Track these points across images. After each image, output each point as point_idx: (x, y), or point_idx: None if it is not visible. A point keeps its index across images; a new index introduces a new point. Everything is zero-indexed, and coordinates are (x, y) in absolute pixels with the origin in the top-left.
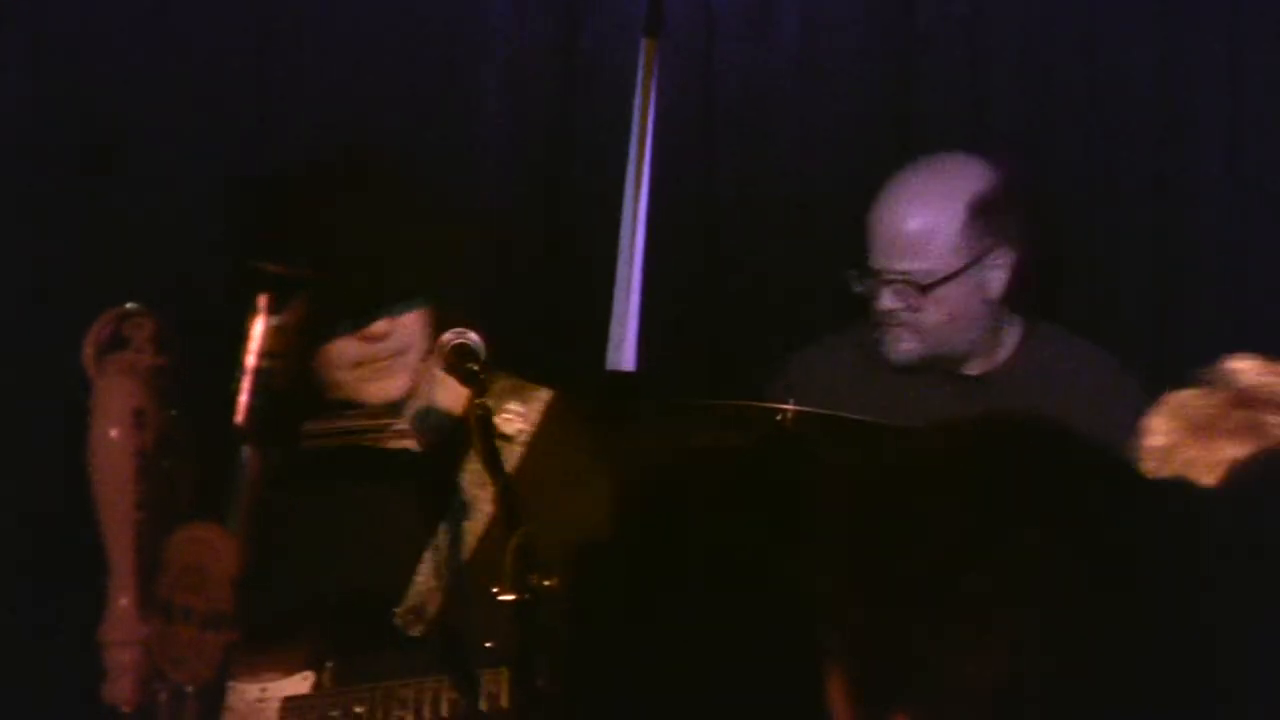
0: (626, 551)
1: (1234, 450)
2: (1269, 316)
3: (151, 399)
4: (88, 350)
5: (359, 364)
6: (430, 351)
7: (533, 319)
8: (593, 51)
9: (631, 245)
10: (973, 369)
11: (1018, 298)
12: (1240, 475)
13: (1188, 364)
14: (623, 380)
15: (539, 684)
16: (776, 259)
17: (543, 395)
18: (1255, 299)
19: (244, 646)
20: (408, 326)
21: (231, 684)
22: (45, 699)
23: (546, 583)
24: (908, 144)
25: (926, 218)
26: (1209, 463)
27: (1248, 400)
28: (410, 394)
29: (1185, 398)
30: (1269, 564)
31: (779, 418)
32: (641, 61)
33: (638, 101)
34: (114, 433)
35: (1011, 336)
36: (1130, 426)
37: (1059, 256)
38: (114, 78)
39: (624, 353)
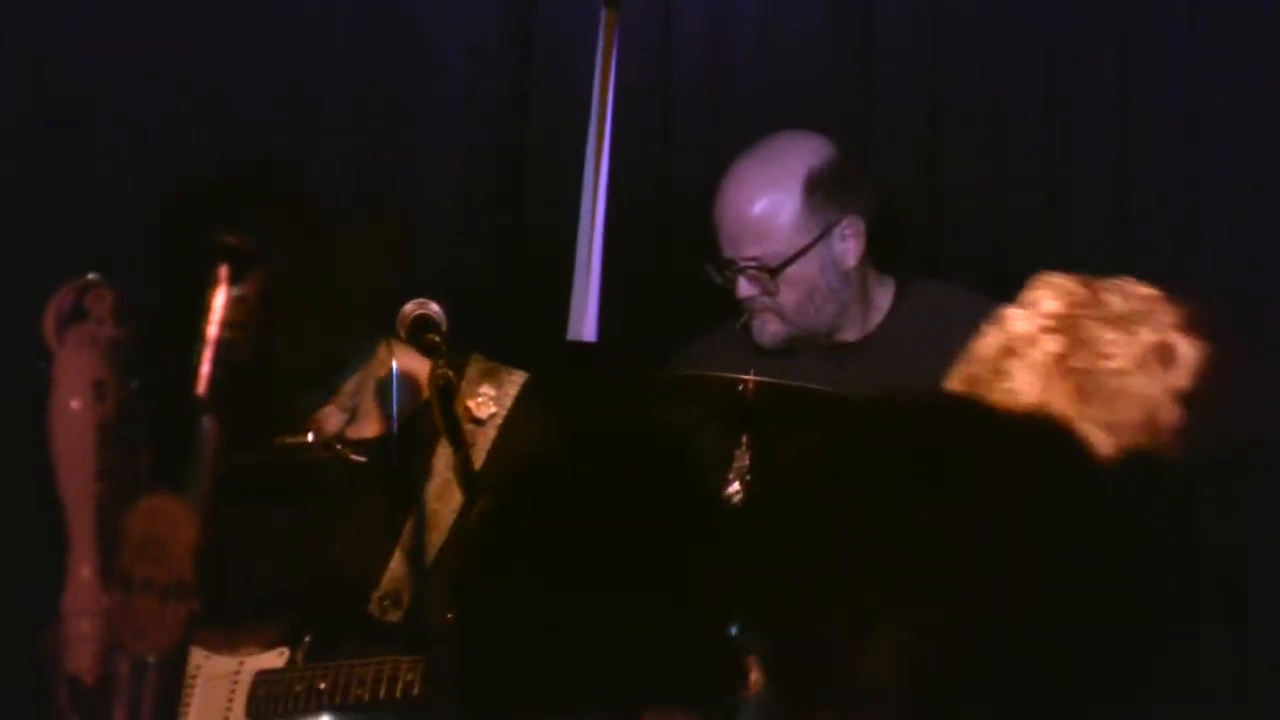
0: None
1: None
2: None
3: (112, 370)
4: (48, 322)
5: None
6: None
7: (493, 295)
8: (552, 21)
9: (592, 217)
10: (848, 336)
11: (890, 258)
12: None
13: None
14: (584, 352)
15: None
16: None
17: (516, 379)
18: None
19: (225, 624)
20: (369, 375)
21: (210, 656)
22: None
23: None
24: (867, 118)
25: (766, 201)
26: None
27: (1060, 326)
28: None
29: (1007, 316)
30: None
31: (740, 388)
32: (601, 32)
33: (598, 72)
34: (74, 404)
35: (884, 299)
36: None
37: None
38: (70, 48)
39: (585, 324)
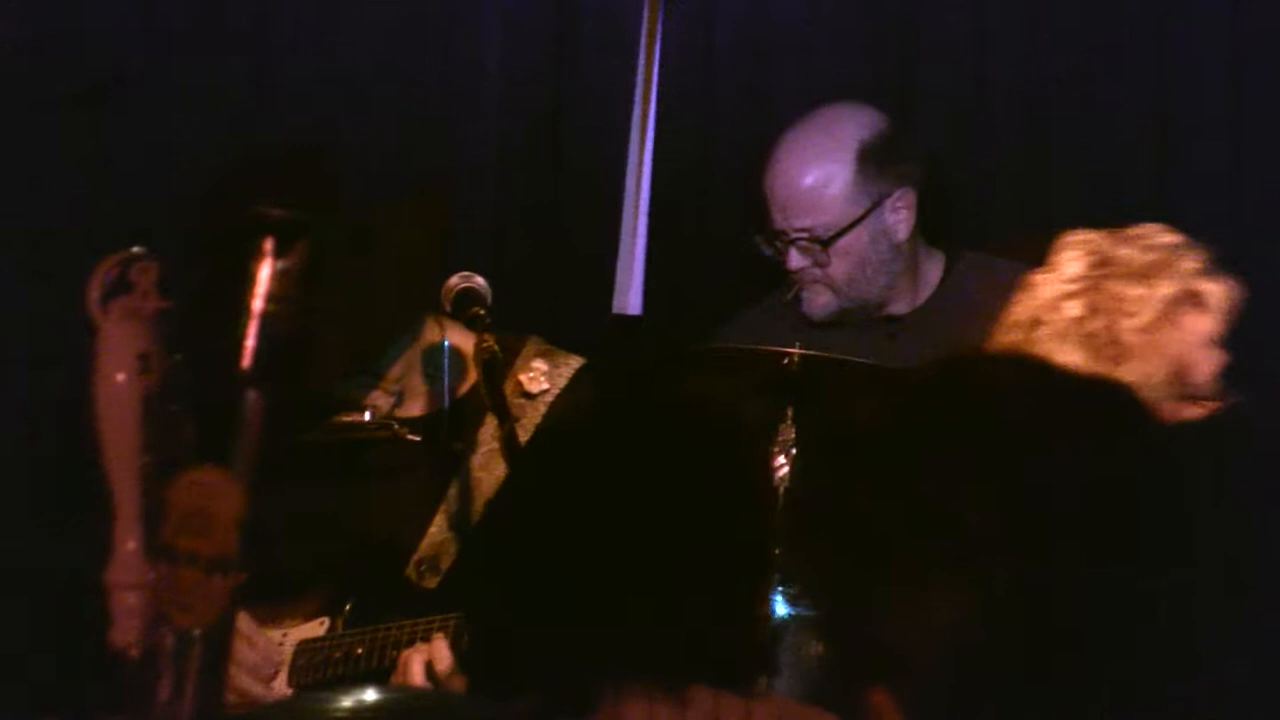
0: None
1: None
2: None
3: (156, 343)
4: (92, 295)
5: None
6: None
7: (538, 272)
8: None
9: (637, 191)
10: (897, 309)
11: (939, 231)
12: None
13: None
14: (629, 325)
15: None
16: None
17: (572, 362)
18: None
19: (271, 597)
20: (415, 356)
21: (256, 629)
22: (51, 643)
23: None
24: (910, 91)
25: (819, 172)
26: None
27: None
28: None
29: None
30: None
31: (785, 361)
32: (645, 4)
33: (642, 44)
34: (119, 377)
35: (933, 272)
36: None
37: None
38: (111, 21)
39: (630, 298)
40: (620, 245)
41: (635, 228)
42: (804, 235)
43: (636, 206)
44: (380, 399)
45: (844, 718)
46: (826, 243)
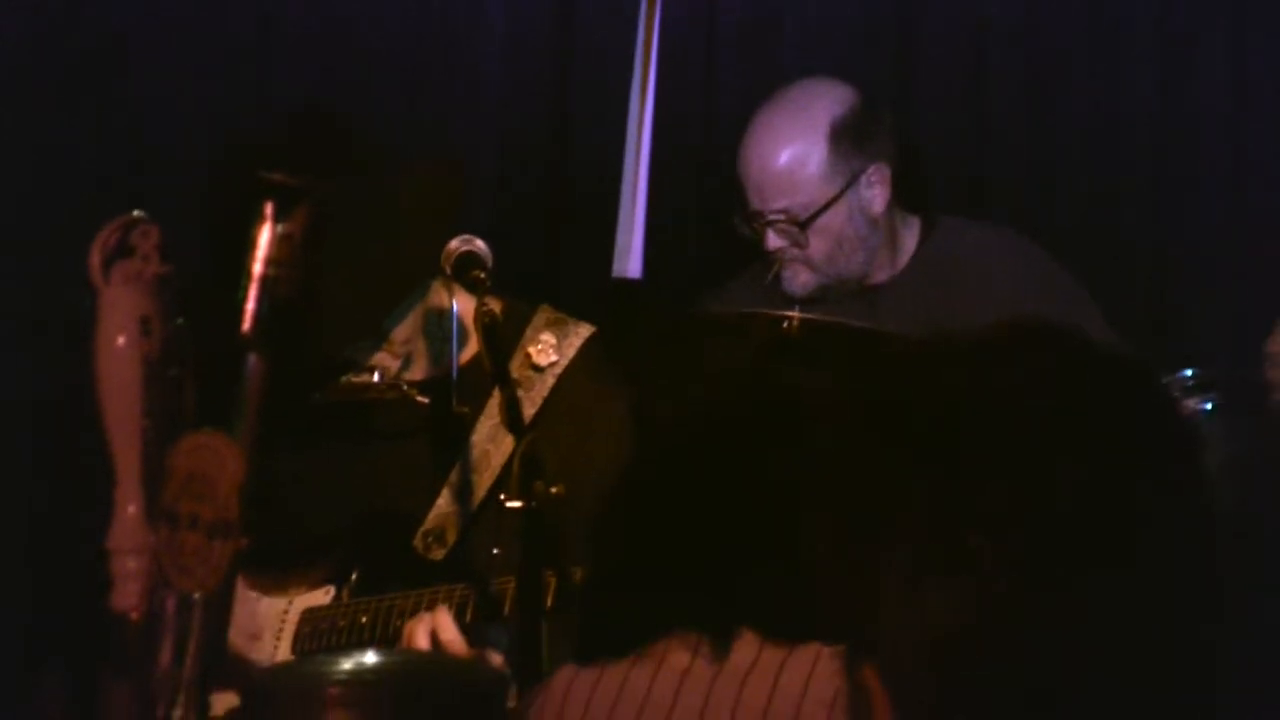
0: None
1: None
2: None
3: (157, 307)
4: (94, 259)
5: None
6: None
7: (540, 236)
8: None
9: (637, 154)
10: (878, 279)
11: (915, 198)
12: None
13: None
14: (629, 290)
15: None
16: None
17: (582, 331)
18: None
19: (275, 566)
20: (421, 319)
21: (260, 598)
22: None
23: (553, 490)
24: (909, 61)
25: (793, 152)
26: None
27: None
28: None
29: None
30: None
31: (784, 325)
32: None
33: (643, 7)
34: (120, 341)
35: (910, 239)
36: (1040, 298)
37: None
38: None
39: (630, 262)
40: (620, 209)
41: (635, 191)
42: (781, 216)
43: (636, 170)
44: (388, 360)
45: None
46: (804, 224)
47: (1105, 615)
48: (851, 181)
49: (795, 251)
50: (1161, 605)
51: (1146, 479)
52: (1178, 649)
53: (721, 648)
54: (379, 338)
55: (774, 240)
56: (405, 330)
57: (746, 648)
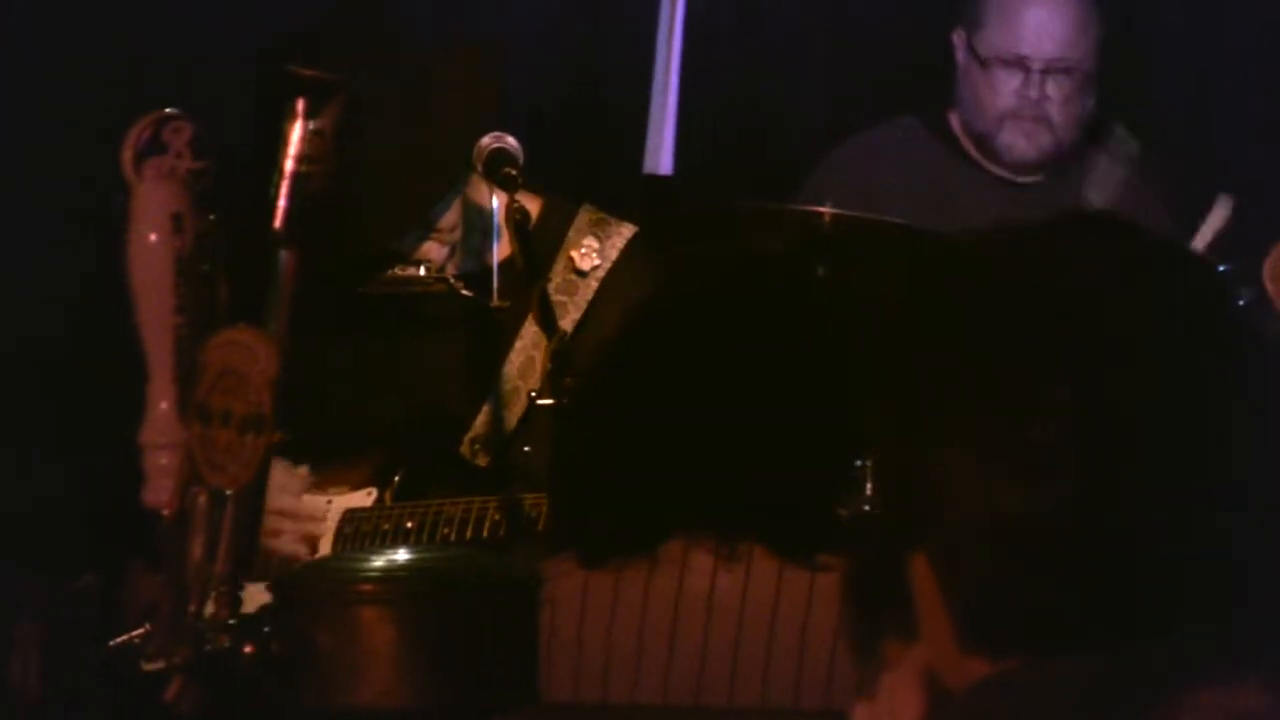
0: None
1: None
2: None
3: (189, 204)
4: (126, 155)
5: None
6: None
7: (573, 129)
8: None
9: (668, 48)
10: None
11: None
12: None
13: None
14: (660, 184)
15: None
16: (815, 60)
17: (625, 231)
18: None
19: (315, 464)
20: (465, 209)
21: (299, 495)
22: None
23: None
24: None
25: (1084, 3)
26: None
27: None
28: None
29: None
30: None
31: (818, 219)
32: None
33: None
34: (152, 237)
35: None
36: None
37: None
38: None
39: (661, 157)
40: (651, 105)
41: (667, 86)
42: (1070, 64)
43: (668, 65)
44: (435, 250)
45: (884, 585)
46: (1088, 76)
47: (1171, 506)
48: (1100, 48)
49: (1050, 109)
50: (1230, 495)
51: (1216, 376)
52: (1242, 540)
53: (733, 554)
54: (426, 227)
55: (1051, 89)
56: (452, 217)
57: (763, 559)
